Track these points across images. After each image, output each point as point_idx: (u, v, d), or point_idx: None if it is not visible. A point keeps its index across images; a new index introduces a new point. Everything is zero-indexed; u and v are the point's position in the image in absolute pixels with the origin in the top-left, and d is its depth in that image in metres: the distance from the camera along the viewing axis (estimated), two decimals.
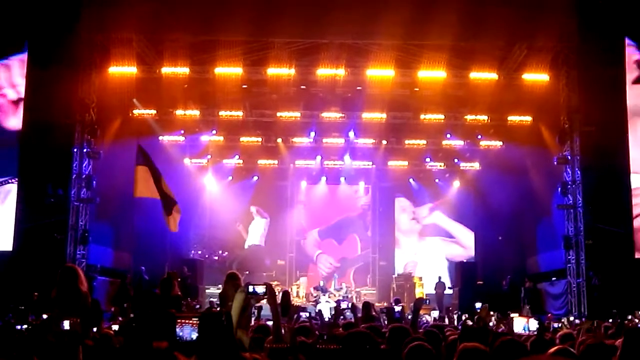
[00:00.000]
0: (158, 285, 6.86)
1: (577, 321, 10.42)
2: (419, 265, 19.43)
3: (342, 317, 7.31)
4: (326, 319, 7.07)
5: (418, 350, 3.44)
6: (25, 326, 6.75)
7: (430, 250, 19.71)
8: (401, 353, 3.54)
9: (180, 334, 2.63)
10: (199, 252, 18.72)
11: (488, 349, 3.46)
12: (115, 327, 5.93)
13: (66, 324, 4.33)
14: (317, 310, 12.63)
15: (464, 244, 19.53)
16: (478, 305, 13.30)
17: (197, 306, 13.37)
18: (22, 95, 13.46)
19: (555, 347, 3.63)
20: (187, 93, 15.34)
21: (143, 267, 15.47)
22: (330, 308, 12.93)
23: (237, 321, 4.12)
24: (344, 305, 10.00)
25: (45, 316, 7.17)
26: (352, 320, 6.51)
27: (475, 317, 6.65)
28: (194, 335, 2.49)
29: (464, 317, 11.99)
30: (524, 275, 16.19)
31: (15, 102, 13.61)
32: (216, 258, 17.46)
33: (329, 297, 16.44)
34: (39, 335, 4.55)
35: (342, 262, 20.09)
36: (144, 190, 8.51)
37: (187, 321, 2.49)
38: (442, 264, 19.15)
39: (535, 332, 5.40)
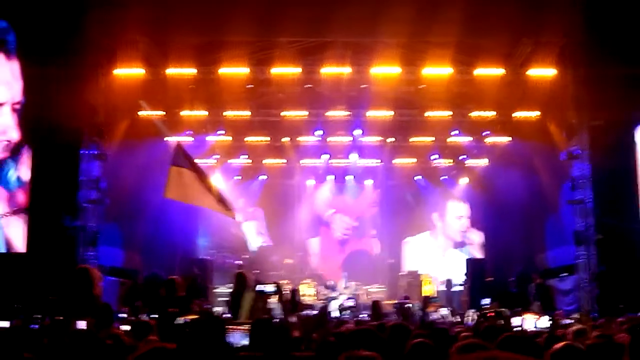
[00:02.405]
0: (162, 286, 6.89)
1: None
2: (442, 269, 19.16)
3: (352, 315, 7.34)
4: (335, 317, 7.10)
5: (420, 347, 3.44)
6: (37, 326, 6.83)
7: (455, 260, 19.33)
8: (402, 351, 3.54)
9: (231, 340, 2.64)
10: (223, 254, 18.78)
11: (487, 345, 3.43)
12: (125, 328, 5.96)
13: (82, 324, 4.38)
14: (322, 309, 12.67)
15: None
16: (486, 301, 13.31)
17: (208, 306, 13.41)
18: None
19: (562, 343, 3.61)
20: (194, 94, 15.40)
21: (156, 270, 15.53)
22: (339, 306, 12.93)
23: (247, 319, 4.15)
24: (350, 303, 10.05)
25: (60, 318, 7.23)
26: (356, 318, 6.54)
27: (488, 313, 6.64)
28: (244, 342, 2.52)
29: (470, 313, 11.97)
30: (534, 272, 16.11)
31: None
32: (240, 262, 17.41)
33: (339, 295, 16.44)
34: (54, 335, 4.60)
35: (361, 220, 19.69)
36: (177, 194, 8.18)
37: (237, 327, 2.52)
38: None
39: (547, 329, 5.38)
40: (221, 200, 8.26)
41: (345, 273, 18.37)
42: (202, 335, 3.08)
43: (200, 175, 8.28)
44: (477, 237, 19.68)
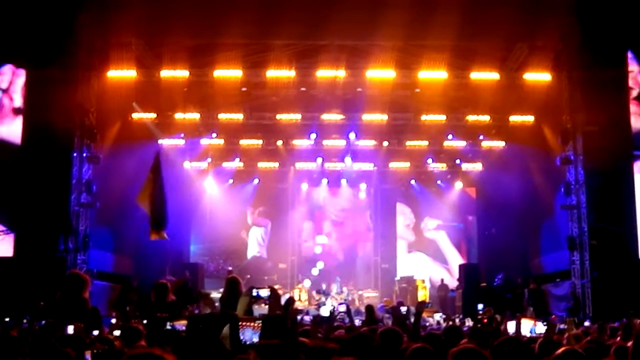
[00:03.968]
0: (151, 291, 6.77)
1: (586, 323, 10.31)
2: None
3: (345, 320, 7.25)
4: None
5: (419, 353, 3.36)
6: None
7: (414, 265, 19.42)
8: (393, 356, 3.46)
9: (242, 336, 2.59)
10: (216, 260, 18.67)
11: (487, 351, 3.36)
12: (117, 333, 5.84)
13: (70, 329, 4.27)
14: (316, 314, 12.54)
15: (452, 273, 18.73)
16: (480, 306, 13.26)
17: (196, 311, 13.24)
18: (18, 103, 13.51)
19: (563, 348, 3.54)
20: (187, 96, 15.30)
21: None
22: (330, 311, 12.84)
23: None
24: (342, 308, 9.94)
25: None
26: (348, 324, 6.45)
27: (484, 318, 6.56)
28: (255, 338, 2.45)
29: (466, 321, 11.90)
30: (528, 277, 16.09)
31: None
32: (230, 268, 17.31)
33: (330, 299, 16.34)
34: (42, 340, 4.49)
35: (355, 224, 19.87)
36: (142, 199, 8.23)
37: (248, 324, 2.44)
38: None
39: (542, 334, 5.32)
40: (156, 219, 8.12)
41: (338, 278, 18.29)
42: (214, 332, 3.02)
43: (156, 187, 8.17)
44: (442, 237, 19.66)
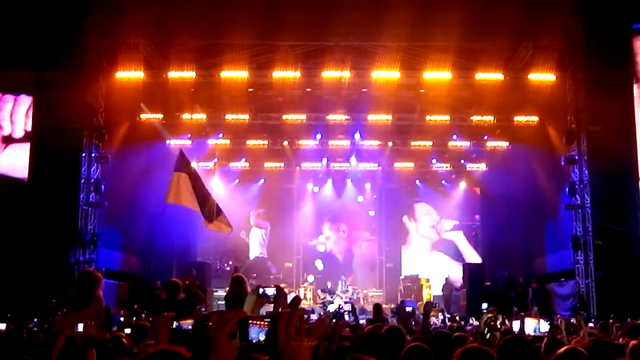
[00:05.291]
0: (163, 289, 6.88)
1: (590, 324, 10.36)
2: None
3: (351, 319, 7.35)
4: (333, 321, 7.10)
5: (415, 351, 3.44)
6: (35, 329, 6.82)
7: (435, 264, 19.45)
8: (398, 354, 3.55)
9: (249, 335, 2.64)
10: (221, 259, 18.80)
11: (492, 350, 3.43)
12: (127, 330, 5.95)
13: (80, 327, 4.37)
14: (322, 312, 12.66)
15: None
16: (484, 306, 13.32)
17: (203, 309, 13.34)
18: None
19: (565, 347, 3.62)
20: (194, 97, 15.45)
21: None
22: (335, 310, 12.95)
23: None
24: (347, 307, 10.03)
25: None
26: (353, 322, 6.56)
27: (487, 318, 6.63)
28: (262, 337, 2.50)
29: (471, 320, 11.97)
30: (531, 276, 16.13)
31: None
32: (228, 268, 17.44)
33: (336, 298, 16.44)
34: (51, 337, 4.59)
35: (359, 224, 19.91)
36: (175, 198, 8.17)
37: (255, 322, 2.49)
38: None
39: (546, 334, 5.38)
40: (217, 214, 8.18)
41: (342, 276, 18.39)
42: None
43: (199, 184, 8.20)
44: (457, 235, 19.69)
